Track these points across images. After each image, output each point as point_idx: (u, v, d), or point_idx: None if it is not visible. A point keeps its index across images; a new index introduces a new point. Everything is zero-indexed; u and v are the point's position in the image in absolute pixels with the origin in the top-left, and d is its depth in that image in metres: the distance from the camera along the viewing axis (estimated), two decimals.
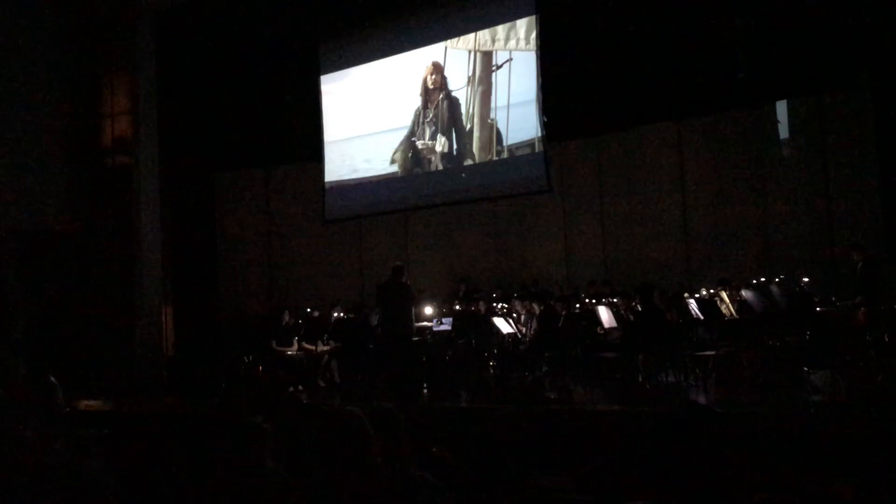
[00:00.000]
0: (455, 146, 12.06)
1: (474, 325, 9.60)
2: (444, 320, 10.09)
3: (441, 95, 12.22)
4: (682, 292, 9.98)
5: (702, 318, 8.57)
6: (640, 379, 8.34)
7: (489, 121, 11.68)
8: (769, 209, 11.58)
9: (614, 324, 8.76)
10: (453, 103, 12.09)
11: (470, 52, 11.97)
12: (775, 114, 11.74)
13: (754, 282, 9.72)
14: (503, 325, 9.15)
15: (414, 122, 12.50)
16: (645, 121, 12.31)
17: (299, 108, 13.96)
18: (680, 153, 12.31)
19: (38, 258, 10.98)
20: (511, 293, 11.45)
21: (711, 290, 9.80)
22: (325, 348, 10.61)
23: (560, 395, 7.84)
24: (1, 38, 10.99)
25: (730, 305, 8.72)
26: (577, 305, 9.97)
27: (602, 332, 8.98)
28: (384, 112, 12.97)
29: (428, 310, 10.50)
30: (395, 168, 12.82)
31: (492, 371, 9.64)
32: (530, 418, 6.98)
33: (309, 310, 11.85)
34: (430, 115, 12.29)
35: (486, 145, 11.72)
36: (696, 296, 9.53)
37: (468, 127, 11.93)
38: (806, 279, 9.47)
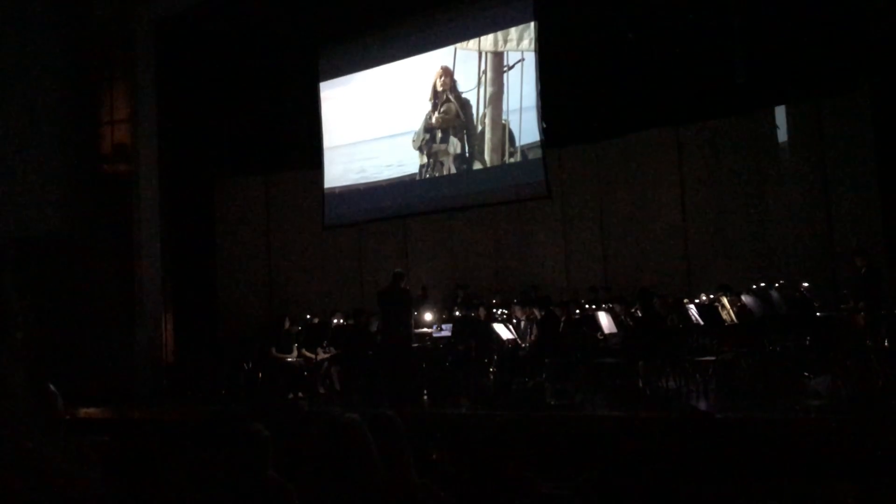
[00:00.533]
0: (467, 149, 12.04)
1: (474, 331, 9.59)
2: (443, 326, 10.08)
3: (451, 98, 12.22)
4: (682, 298, 9.99)
5: (702, 323, 8.56)
6: (641, 385, 8.33)
7: (501, 122, 11.67)
8: (769, 214, 11.58)
9: (614, 330, 8.75)
10: (464, 105, 12.10)
11: (480, 53, 11.98)
12: (774, 119, 11.76)
13: (754, 287, 9.72)
14: (503, 331, 9.14)
15: (423, 126, 12.50)
16: (644, 126, 12.33)
17: (299, 115, 13.98)
18: (679, 158, 12.33)
19: (38, 265, 10.98)
20: (511, 299, 11.44)
21: (711, 296, 9.81)
22: (325, 355, 10.60)
23: (560, 401, 7.82)
24: (1, 45, 11.02)
25: (730, 311, 8.71)
26: (577, 311, 9.97)
27: (602, 337, 8.98)
28: (385, 118, 12.99)
29: (428, 316, 10.49)
30: (397, 173, 12.81)
31: (492, 377, 9.64)
32: (530, 425, 6.98)
33: (309, 316, 11.85)
34: (440, 119, 12.30)
35: (497, 147, 11.71)
36: (696, 301, 9.53)
37: (479, 129, 11.93)
38: (806, 284, 9.47)
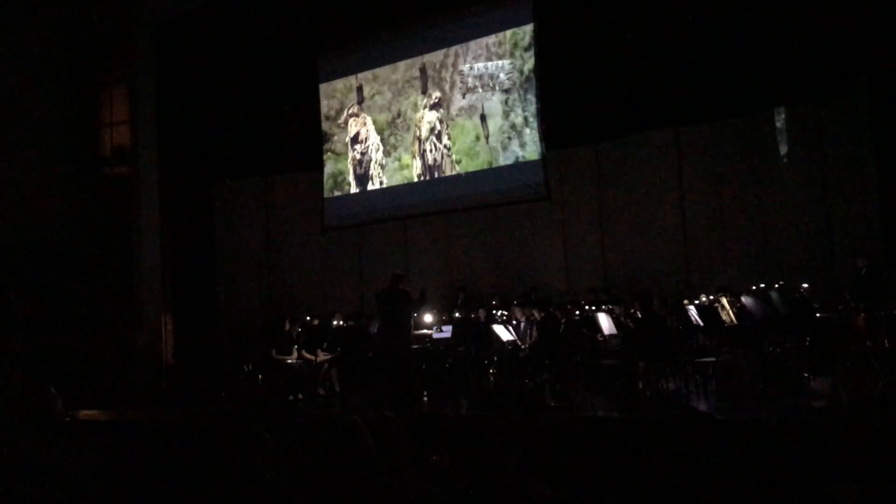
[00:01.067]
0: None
1: (474, 333, 9.59)
2: (443, 328, 10.08)
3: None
4: (681, 299, 9.99)
5: (702, 324, 8.56)
6: (641, 386, 8.32)
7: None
8: (768, 215, 11.59)
9: (614, 331, 8.75)
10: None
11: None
12: (774, 120, 11.77)
13: (754, 288, 9.72)
14: (503, 333, 9.14)
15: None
16: (644, 128, 12.34)
17: (298, 117, 13.99)
18: (679, 160, 12.34)
19: (38, 268, 10.98)
20: (511, 300, 11.45)
21: (711, 297, 9.81)
22: (325, 357, 10.60)
23: (560, 402, 7.82)
24: (0, 48, 11.03)
25: (730, 312, 8.71)
26: (577, 312, 9.97)
27: (602, 339, 8.97)
28: (384, 119, 13.00)
29: (427, 317, 10.49)
30: (397, 176, 12.83)
31: (492, 379, 9.63)
32: (530, 426, 6.97)
33: (308, 318, 11.85)
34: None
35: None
36: (696, 302, 9.53)
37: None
38: (805, 285, 9.47)
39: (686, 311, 8.79)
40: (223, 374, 11.03)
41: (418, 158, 12.60)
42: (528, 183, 11.40)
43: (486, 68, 11.89)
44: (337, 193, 13.54)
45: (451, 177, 12.15)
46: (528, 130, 11.39)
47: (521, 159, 11.47)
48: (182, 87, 12.88)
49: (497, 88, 11.75)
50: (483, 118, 11.86)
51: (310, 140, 13.78)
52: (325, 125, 13.69)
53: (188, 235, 13.52)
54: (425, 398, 9.14)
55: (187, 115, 13.07)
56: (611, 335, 8.78)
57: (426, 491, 2.49)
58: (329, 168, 13.65)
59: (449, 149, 12.21)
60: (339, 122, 13.58)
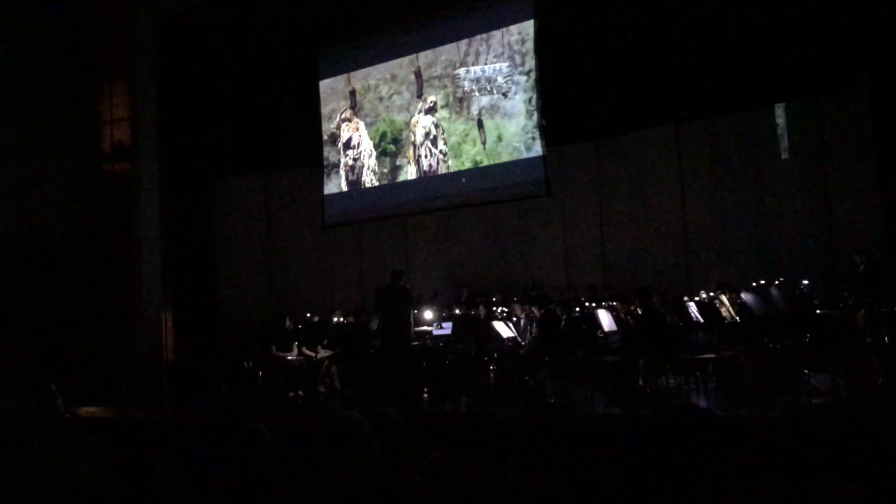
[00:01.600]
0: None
1: (474, 330, 9.59)
2: (444, 324, 10.08)
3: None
4: (681, 296, 9.98)
5: (702, 321, 8.56)
6: (641, 383, 8.33)
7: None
8: (768, 212, 11.59)
9: (614, 327, 8.75)
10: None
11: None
12: (774, 117, 11.75)
13: (754, 285, 9.72)
14: (503, 330, 9.14)
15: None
16: (644, 124, 12.33)
17: (298, 114, 13.97)
18: (679, 156, 12.33)
19: (38, 264, 10.98)
20: (511, 297, 11.44)
21: (711, 294, 9.81)
22: (326, 354, 10.60)
23: (560, 399, 7.82)
24: (0, 45, 11.01)
25: (730, 309, 8.71)
26: (577, 309, 9.97)
27: (602, 335, 8.97)
28: (384, 116, 12.97)
29: (428, 314, 10.49)
30: (396, 172, 12.81)
31: (492, 375, 9.63)
32: (530, 423, 6.97)
33: (309, 315, 11.85)
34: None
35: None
36: (696, 299, 9.53)
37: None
38: (806, 282, 9.47)
39: (686, 308, 8.80)
40: (223, 371, 11.03)
41: (413, 164, 12.53)
42: (529, 180, 11.38)
43: (484, 71, 11.83)
44: (337, 190, 13.51)
45: (452, 174, 12.13)
46: (527, 129, 11.35)
47: (521, 156, 11.44)
48: (182, 83, 12.87)
49: (495, 92, 11.67)
50: (480, 123, 11.79)
51: (310, 137, 13.76)
52: (324, 125, 13.67)
53: (188, 232, 13.51)
54: (425, 395, 9.15)
55: (187, 111, 13.05)
56: (611, 332, 8.78)
57: (426, 487, 2.49)
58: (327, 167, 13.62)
59: (445, 154, 12.14)
60: (332, 126, 13.53)
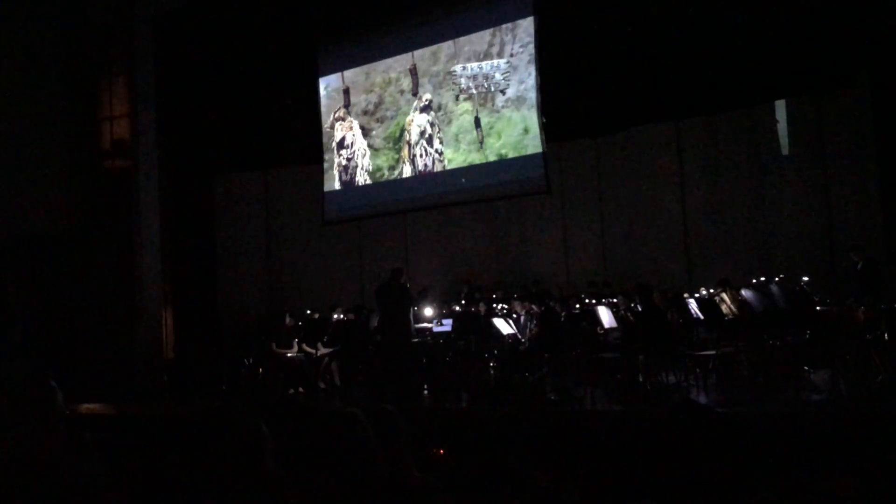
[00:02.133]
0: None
1: (474, 326, 9.60)
2: (444, 321, 10.09)
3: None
4: (681, 292, 9.99)
5: (702, 317, 8.56)
6: (641, 379, 8.34)
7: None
8: (768, 209, 11.59)
9: (614, 324, 8.75)
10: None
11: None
12: (774, 113, 11.74)
13: (754, 281, 9.72)
14: (503, 326, 9.14)
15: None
16: (644, 121, 12.33)
17: (298, 111, 13.96)
18: (679, 153, 12.33)
19: (38, 262, 10.98)
20: (511, 294, 11.44)
21: (711, 290, 9.81)
22: (326, 350, 10.60)
23: (560, 395, 7.83)
24: (0, 42, 11.00)
25: (730, 305, 8.71)
26: (577, 306, 9.98)
27: (602, 332, 8.97)
28: (384, 113, 12.94)
29: (428, 311, 10.50)
30: (396, 169, 12.78)
31: (492, 372, 9.64)
32: (530, 419, 6.98)
33: (309, 312, 11.85)
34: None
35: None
36: (696, 296, 9.53)
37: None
38: (806, 279, 9.47)
39: (686, 305, 8.80)
40: (223, 367, 11.04)
41: (408, 164, 12.46)
42: (529, 176, 11.34)
43: (481, 68, 11.77)
44: (336, 184, 13.46)
45: (452, 170, 12.09)
46: (527, 126, 11.31)
47: (521, 153, 11.39)
48: (182, 80, 12.85)
49: (493, 89, 11.62)
50: (477, 122, 11.73)
51: (310, 133, 13.74)
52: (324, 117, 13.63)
53: (188, 229, 13.51)
54: (425, 392, 9.16)
55: (187, 108, 13.04)
56: (611, 328, 8.78)
57: (426, 484, 2.49)
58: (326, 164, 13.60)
59: (441, 153, 12.08)
60: (325, 126, 13.48)
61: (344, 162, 13.23)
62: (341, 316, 11.34)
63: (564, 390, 8.10)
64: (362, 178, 12.98)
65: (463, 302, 11.49)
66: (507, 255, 13.44)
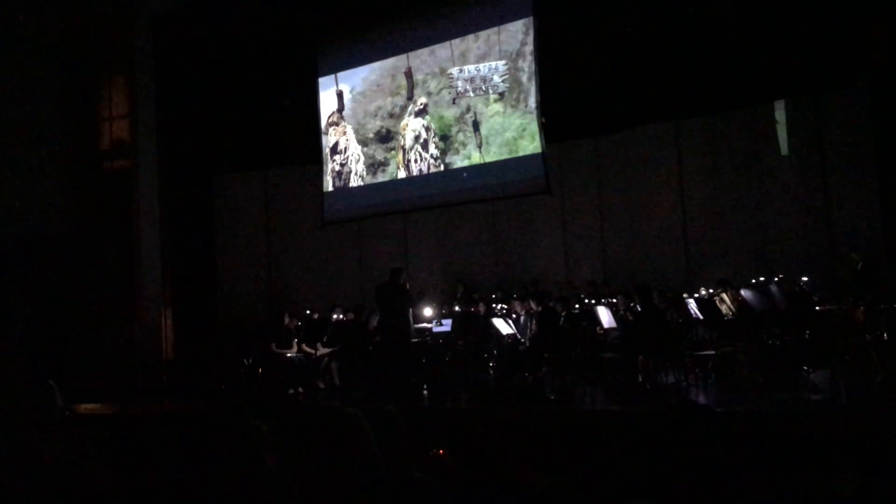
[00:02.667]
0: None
1: (474, 326, 9.60)
2: (443, 321, 10.09)
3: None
4: (681, 292, 9.99)
5: (701, 317, 8.57)
6: (640, 379, 8.34)
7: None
8: (768, 209, 11.59)
9: (614, 324, 8.76)
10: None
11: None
12: (773, 113, 11.74)
13: (753, 281, 9.72)
14: (503, 326, 9.15)
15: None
16: (643, 121, 12.31)
17: (297, 111, 13.95)
18: (678, 153, 12.32)
19: (38, 261, 10.98)
20: (510, 294, 11.44)
21: (711, 290, 9.81)
22: (325, 350, 10.60)
23: (560, 395, 7.83)
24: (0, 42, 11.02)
25: (730, 305, 8.72)
26: (577, 306, 9.98)
27: (601, 332, 8.98)
28: (384, 113, 12.93)
29: (427, 311, 10.50)
30: (394, 170, 12.78)
31: (491, 372, 9.64)
32: (530, 419, 6.98)
33: (308, 312, 11.85)
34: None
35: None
36: (696, 296, 9.54)
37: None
38: (805, 278, 9.47)
39: (685, 305, 8.81)
40: (223, 367, 11.04)
41: (403, 169, 12.45)
42: (528, 177, 11.34)
43: (479, 70, 11.75)
44: (336, 185, 13.47)
45: (451, 171, 12.09)
46: (526, 127, 11.31)
47: (520, 154, 11.39)
48: (181, 80, 12.85)
49: (491, 91, 11.59)
50: (476, 125, 11.72)
51: (309, 133, 13.74)
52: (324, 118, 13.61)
53: (188, 229, 13.51)
54: (425, 391, 9.16)
55: (187, 108, 13.03)
56: (610, 328, 8.79)
57: (426, 484, 2.49)
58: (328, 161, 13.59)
59: (436, 158, 12.05)
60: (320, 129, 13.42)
61: (337, 168, 13.20)
62: (341, 316, 11.34)
63: (564, 390, 8.10)
64: (356, 184, 12.95)
65: (458, 302, 11.48)
66: (507, 255, 13.43)
